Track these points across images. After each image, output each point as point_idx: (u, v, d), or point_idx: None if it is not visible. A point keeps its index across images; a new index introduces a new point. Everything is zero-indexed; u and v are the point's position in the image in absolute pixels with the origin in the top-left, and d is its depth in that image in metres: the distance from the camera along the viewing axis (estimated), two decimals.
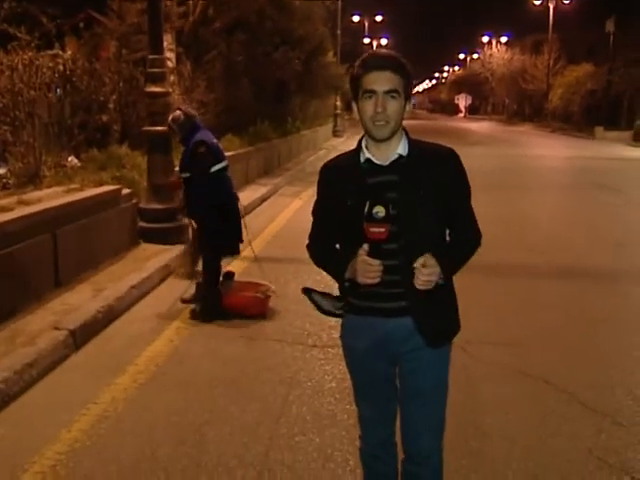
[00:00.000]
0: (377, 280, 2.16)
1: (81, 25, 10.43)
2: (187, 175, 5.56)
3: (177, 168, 6.34)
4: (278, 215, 10.39)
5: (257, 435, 3.60)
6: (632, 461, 3.39)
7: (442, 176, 2.28)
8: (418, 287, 2.18)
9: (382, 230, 2.11)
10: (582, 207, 11.88)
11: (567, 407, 3.97)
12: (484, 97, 76.82)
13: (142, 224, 7.70)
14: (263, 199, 11.64)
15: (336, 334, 5.09)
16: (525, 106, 56.16)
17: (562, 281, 6.86)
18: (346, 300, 2.40)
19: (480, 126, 48.65)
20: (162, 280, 6.55)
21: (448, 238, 2.40)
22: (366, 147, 2.30)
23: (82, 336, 4.85)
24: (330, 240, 2.45)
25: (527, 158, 20.97)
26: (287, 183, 14.25)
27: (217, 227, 5.45)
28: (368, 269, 2.15)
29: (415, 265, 2.16)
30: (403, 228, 2.21)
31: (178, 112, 5.58)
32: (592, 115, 37.76)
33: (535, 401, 4.07)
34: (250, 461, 3.35)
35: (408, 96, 2.26)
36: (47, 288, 5.57)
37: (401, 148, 2.27)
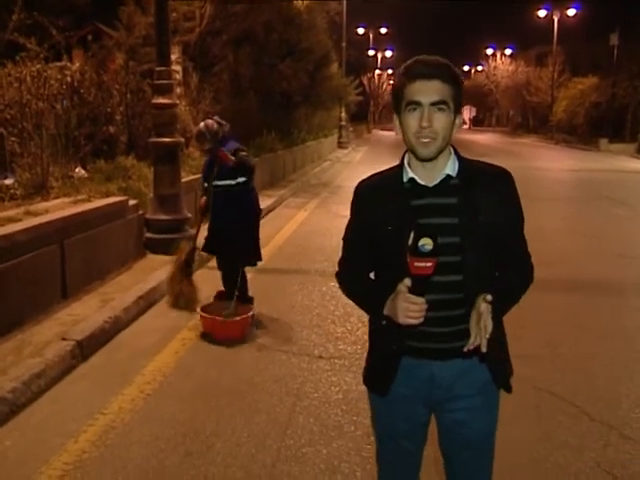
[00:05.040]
0: (420, 320, 1.88)
1: (89, 37, 10.53)
2: (227, 183, 5.42)
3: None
4: (283, 227, 10.42)
5: (264, 446, 3.60)
6: None
7: (498, 200, 2.02)
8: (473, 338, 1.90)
9: (428, 265, 1.81)
10: (588, 219, 11.89)
11: (574, 420, 3.96)
12: (488, 109, 77.10)
13: (148, 235, 7.75)
14: (269, 210, 11.67)
15: (342, 345, 5.15)
16: (529, 118, 56.26)
17: (568, 293, 6.86)
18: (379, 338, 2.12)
19: (485, 138, 48.70)
20: None
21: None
22: (409, 165, 2.02)
23: (89, 347, 4.87)
24: (364, 270, 2.15)
25: (532, 170, 20.95)
26: (292, 195, 14.28)
27: (256, 234, 5.63)
28: (410, 308, 1.85)
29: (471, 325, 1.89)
30: (464, 259, 1.96)
31: (211, 121, 5.50)
32: (596, 127, 37.80)
33: (541, 413, 4.06)
34: (257, 473, 3.36)
35: (458, 109, 1.97)
36: (54, 299, 5.60)
37: (449, 168, 1.99)
